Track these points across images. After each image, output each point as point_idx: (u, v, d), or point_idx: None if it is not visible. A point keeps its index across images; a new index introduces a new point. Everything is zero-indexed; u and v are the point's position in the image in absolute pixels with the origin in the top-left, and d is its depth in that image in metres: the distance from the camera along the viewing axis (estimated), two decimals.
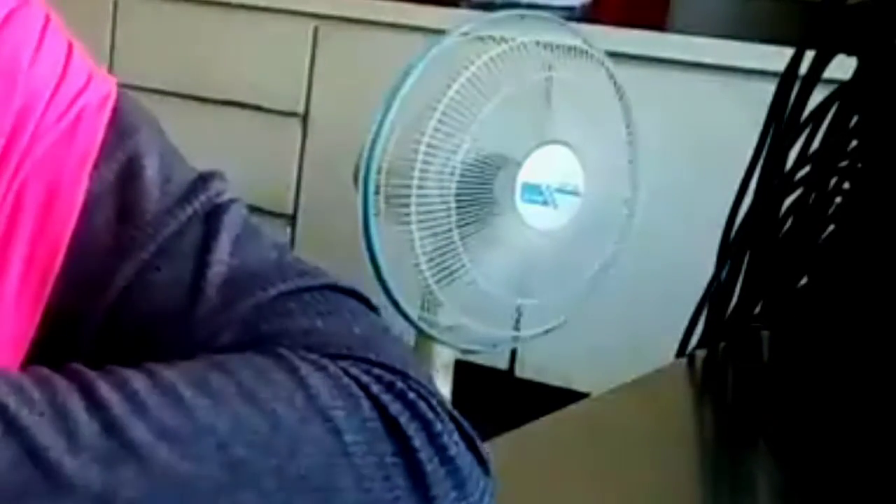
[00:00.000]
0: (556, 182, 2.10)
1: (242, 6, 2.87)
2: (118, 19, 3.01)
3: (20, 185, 0.60)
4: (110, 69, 2.95)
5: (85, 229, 0.60)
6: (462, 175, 2.05)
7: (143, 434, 0.50)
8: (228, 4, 2.88)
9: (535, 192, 2.09)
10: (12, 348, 0.60)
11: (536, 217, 2.10)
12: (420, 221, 2.05)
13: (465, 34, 2.06)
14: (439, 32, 2.12)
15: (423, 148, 2.03)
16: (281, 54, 2.85)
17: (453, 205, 2.06)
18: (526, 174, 2.07)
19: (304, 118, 2.86)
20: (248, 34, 2.88)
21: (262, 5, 2.84)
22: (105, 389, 0.51)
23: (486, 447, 0.59)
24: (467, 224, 2.08)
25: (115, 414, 0.51)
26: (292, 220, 2.88)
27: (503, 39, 2.05)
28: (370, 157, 2.05)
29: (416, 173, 2.04)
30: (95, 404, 0.51)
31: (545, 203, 2.10)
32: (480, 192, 2.07)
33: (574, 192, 2.12)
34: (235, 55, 2.90)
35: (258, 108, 2.88)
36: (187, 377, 0.53)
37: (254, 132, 2.89)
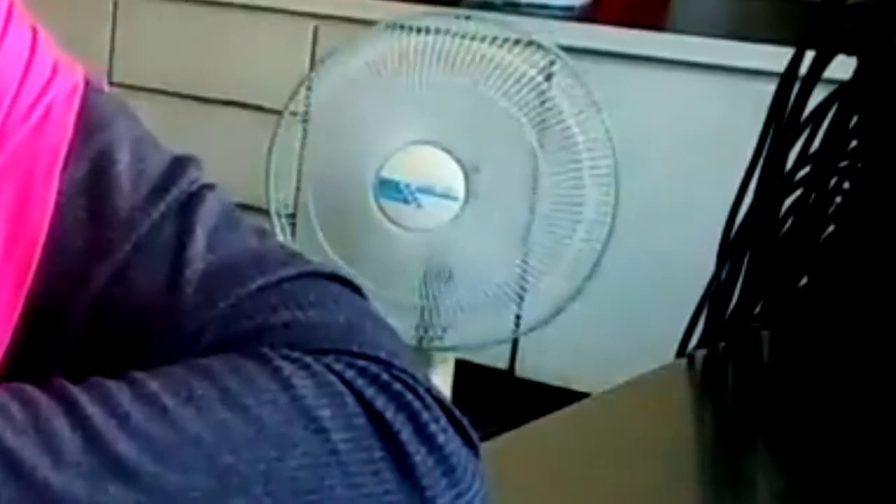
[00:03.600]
0: (420, 182, 2.10)
1: (242, 6, 2.86)
2: (118, 19, 3.00)
3: None
4: (110, 69, 2.95)
5: (59, 230, 0.59)
6: (323, 171, 2.09)
7: (128, 447, 0.50)
8: (228, 4, 2.88)
9: (393, 188, 2.10)
10: None
11: (399, 214, 2.11)
12: (276, 208, 2.17)
13: (396, 27, 2.12)
14: (437, 32, 2.12)
15: (281, 131, 2.17)
16: (281, 54, 2.85)
17: (310, 196, 2.13)
18: (387, 171, 2.10)
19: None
20: (248, 34, 2.88)
21: (262, 5, 2.84)
22: (88, 403, 0.51)
23: (483, 446, 0.58)
24: (323, 215, 2.13)
25: (98, 428, 0.50)
26: (292, 219, 2.88)
27: (418, 34, 2.09)
28: (269, 157, 2.20)
29: (273, 166, 2.15)
30: (79, 419, 0.50)
31: (406, 202, 2.10)
32: (341, 187, 2.11)
33: (447, 196, 2.10)
34: (235, 55, 2.89)
35: (258, 108, 2.87)
36: (170, 386, 0.53)
37: (254, 132, 2.89)
